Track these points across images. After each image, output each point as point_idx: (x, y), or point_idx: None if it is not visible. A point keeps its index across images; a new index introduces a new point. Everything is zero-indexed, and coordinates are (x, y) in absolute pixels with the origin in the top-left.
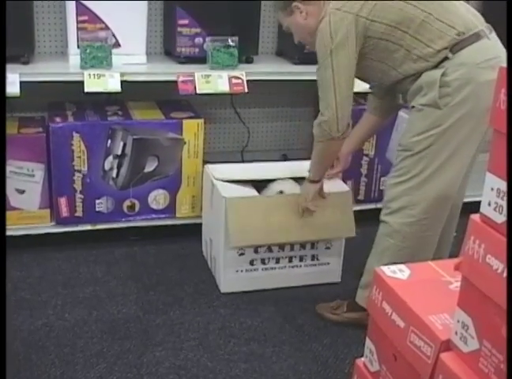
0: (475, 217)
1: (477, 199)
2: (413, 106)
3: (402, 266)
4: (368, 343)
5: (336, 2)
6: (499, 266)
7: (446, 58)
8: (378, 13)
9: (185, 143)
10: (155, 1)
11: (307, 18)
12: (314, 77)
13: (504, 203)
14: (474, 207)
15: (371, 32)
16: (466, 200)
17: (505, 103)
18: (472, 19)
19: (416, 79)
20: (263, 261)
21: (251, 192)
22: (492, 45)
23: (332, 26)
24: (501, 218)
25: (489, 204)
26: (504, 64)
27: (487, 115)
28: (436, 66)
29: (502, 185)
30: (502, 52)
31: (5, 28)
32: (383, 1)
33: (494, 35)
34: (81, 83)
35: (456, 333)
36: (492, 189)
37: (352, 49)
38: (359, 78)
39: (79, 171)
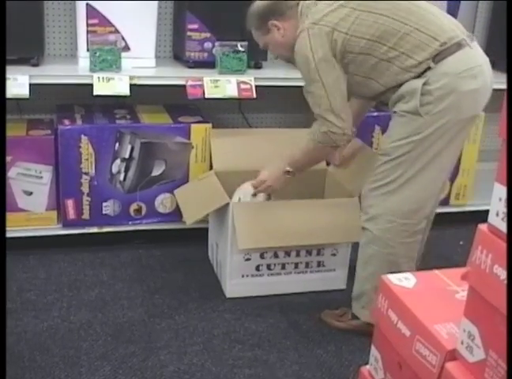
0: (482, 227)
1: (482, 208)
2: (395, 112)
3: (408, 274)
4: (373, 350)
5: (314, 16)
6: (506, 276)
7: (428, 68)
8: (358, 27)
9: (193, 147)
10: (165, 1)
11: (285, 35)
12: None
13: None
14: (479, 216)
15: (351, 47)
16: (473, 208)
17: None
18: (454, 28)
19: (398, 88)
20: (269, 267)
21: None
22: (474, 54)
23: (311, 41)
24: None
25: (497, 215)
26: (485, 72)
27: (467, 124)
28: (418, 76)
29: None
30: (484, 60)
31: (5, 29)
32: (362, 15)
33: (475, 44)
34: (90, 86)
35: (462, 343)
36: (500, 199)
37: (333, 59)
38: None
39: (86, 174)
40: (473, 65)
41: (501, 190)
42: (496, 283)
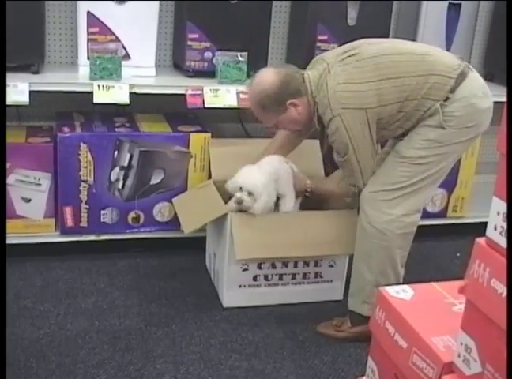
0: (480, 241)
1: (479, 220)
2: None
3: (406, 287)
4: (370, 362)
5: (340, 99)
6: (504, 290)
7: (447, 99)
8: (384, 97)
9: (191, 156)
10: (166, 11)
11: (301, 112)
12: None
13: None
14: (477, 228)
15: (382, 115)
16: (471, 220)
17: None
18: (454, 59)
19: (418, 122)
20: (266, 277)
21: None
22: (477, 76)
23: (346, 126)
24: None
25: (495, 228)
26: (490, 93)
27: (474, 140)
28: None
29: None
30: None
31: (5, 36)
32: (383, 84)
33: (471, 67)
34: (90, 94)
35: (459, 356)
36: (498, 213)
37: (369, 137)
38: None
39: (85, 181)
40: (483, 86)
41: (499, 204)
42: (494, 296)
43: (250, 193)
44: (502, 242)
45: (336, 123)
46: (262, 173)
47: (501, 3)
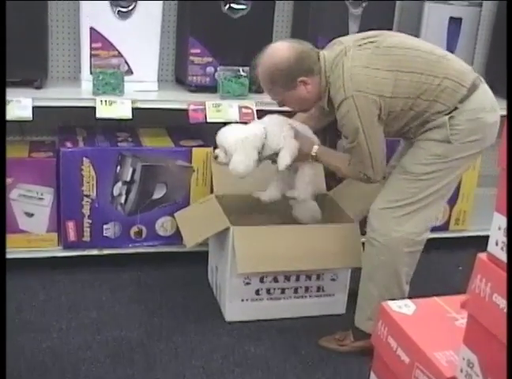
0: (482, 256)
1: (481, 233)
2: (420, 139)
3: (408, 301)
4: (373, 376)
5: (355, 82)
6: (506, 305)
7: (455, 109)
8: (399, 89)
9: (194, 171)
10: (168, 26)
11: (311, 90)
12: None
13: None
14: (479, 241)
15: (393, 107)
16: (473, 234)
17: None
18: (469, 68)
19: (423, 125)
20: (268, 291)
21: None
22: (486, 88)
23: (359, 109)
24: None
25: (496, 244)
26: (498, 107)
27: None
28: (445, 115)
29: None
30: (492, 94)
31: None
32: (399, 76)
33: (482, 79)
34: (93, 108)
35: (461, 370)
36: (500, 228)
37: (379, 124)
38: None
39: (88, 196)
40: (492, 100)
41: (500, 219)
42: (495, 311)
43: (225, 151)
44: (504, 257)
45: (349, 105)
46: (243, 131)
47: (502, 17)
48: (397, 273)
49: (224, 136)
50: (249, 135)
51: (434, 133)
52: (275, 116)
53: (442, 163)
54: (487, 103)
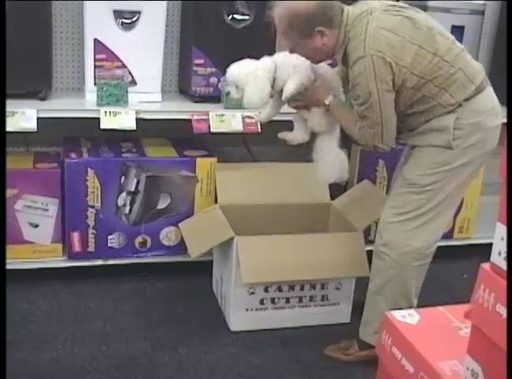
0: (485, 266)
1: (485, 241)
2: (420, 145)
3: (412, 311)
4: None
5: (376, 41)
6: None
7: (460, 105)
8: (417, 65)
9: (198, 181)
10: (171, 36)
11: (326, 42)
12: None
13: None
14: (483, 249)
15: (407, 82)
16: (477, 241)
17: None
18: (479, 66)
19: (426, 122)
20: (273, 301)
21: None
22: (492, 92)
23: (376, 70)
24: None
25: (499, 254)
26: (501, 111)
27: (486, 158)
28: (450, 112)
29: None
30: (497, 99)
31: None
32: (421, 52)
33: (489, 82)
34: (97, 119)
35: None
36: (502, 238)
37: (392, 91)
38: None
39: (92, 207)
40: (496, 103)
41: (503, 230)
42: (499, 321)
43: (237, 86)
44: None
45: (366, 63)
46: (253, 64)
47: (504, 25)
48: (407, 287)
49: (235, 71)
50: (259, 67)
51: (435, 137)
52: (288, 53)
53: (444, 171)
54: (490, 106)
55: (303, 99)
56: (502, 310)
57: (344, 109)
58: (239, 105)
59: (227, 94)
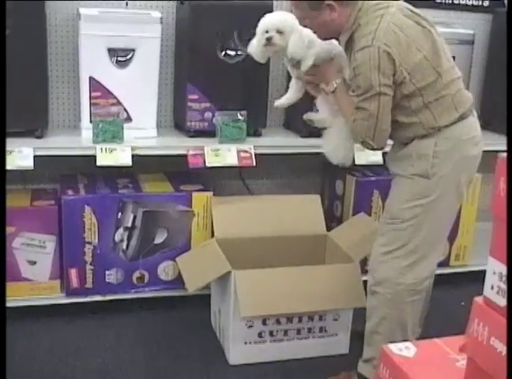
0: (478, 300)
1: (482, 268)
2: (399, 174)
3: (408, 344)
4: None
5: (386, 34)
6: (503, 348)
7: (439, 130)
8: (417, 74)
9: (194, 215)
10: (166, 73)
11: (334, 19)
12: (321, 150)
13: (506, 287)
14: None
15: (403, 88)
16: (474, 268)
17: (504, 191)
18: (468, 97)
19: (405, 145)
20: (271, 333)
21: None
22: (475, 122)
23: (381, 61)
24: (504, 301)
25: (492, 288)
26: (482, 140)
27: (465, 187)
28: (427, 135)
29: (504, 269)
30: (479, 129)
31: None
32: (425, 63)
33: (474, 112)
34: (94, 156)
35: None
36: (494, 272)
37: (392, 87)
38: None
39: (90, 243)
40: (475, 134)
41: (495, 264)
42: (494, 355)
43: (279, 32)
44: (500, 301)
45: (372, 53)
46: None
47: (494, 54)
48: (403, 324)
49: (278, 17)
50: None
51: (413, 165)
52: None
53: (422, 205)
54: (469, 135)
55: (317, 73)
56: (497, 344)
57: (347, 96)
58: (282, 53)
59: (269, 39)
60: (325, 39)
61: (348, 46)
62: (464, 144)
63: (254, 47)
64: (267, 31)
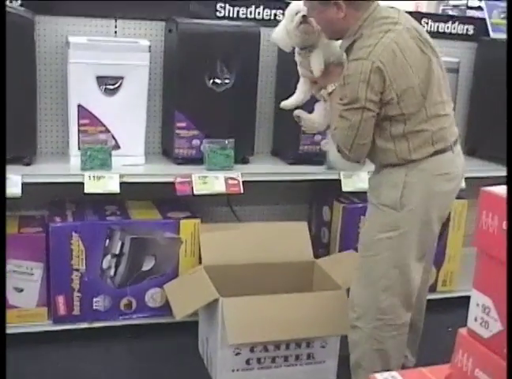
0: (462, 331)
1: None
2: (372, 202)
3: (394, 373)
4: None
5: (383, 51)
6: None
7: (411, 161)
8: (404, 99)
9: (182, 242)
10: (154, 100)
11: (340, 19)
12: (309, 177)
13: (489, 318)
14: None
15: (388, 109)
16: (461, 294)
17: (486, 225)
18: (451, 134)
19: (378, 172)
20: (259, 361)
21: None
22: (452, 159)
23: (371, 76)
24: (487, 333)
25: (475, 320)
26: (460, 176)
27: (434, 225)
28: (400, 165)
29: (487, 301)
30: (460, 165)
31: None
32: (416, 91)
33: (458, 147)
34: (82, 184)
35: None
36: (478, 304)
37: (378, 104)
38: None
39: (77, 270)
40: (449, 171)
41: (478, 297)
42: None
43: None
44: (483, 332)
45: (364, 66)
46: None
47: (478, 82)
48: (385, 358)
49: None
50: None
51: (384, 194)
52: None
53: (391, 239)
54: (443, 170)
55: (325, 75)
56: (481, 375)
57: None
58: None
59: (304, 16)
60: (330, 38)
61: (348, 53)
62: (436, 179)
63: (281, 32)
64: (297, 13)
